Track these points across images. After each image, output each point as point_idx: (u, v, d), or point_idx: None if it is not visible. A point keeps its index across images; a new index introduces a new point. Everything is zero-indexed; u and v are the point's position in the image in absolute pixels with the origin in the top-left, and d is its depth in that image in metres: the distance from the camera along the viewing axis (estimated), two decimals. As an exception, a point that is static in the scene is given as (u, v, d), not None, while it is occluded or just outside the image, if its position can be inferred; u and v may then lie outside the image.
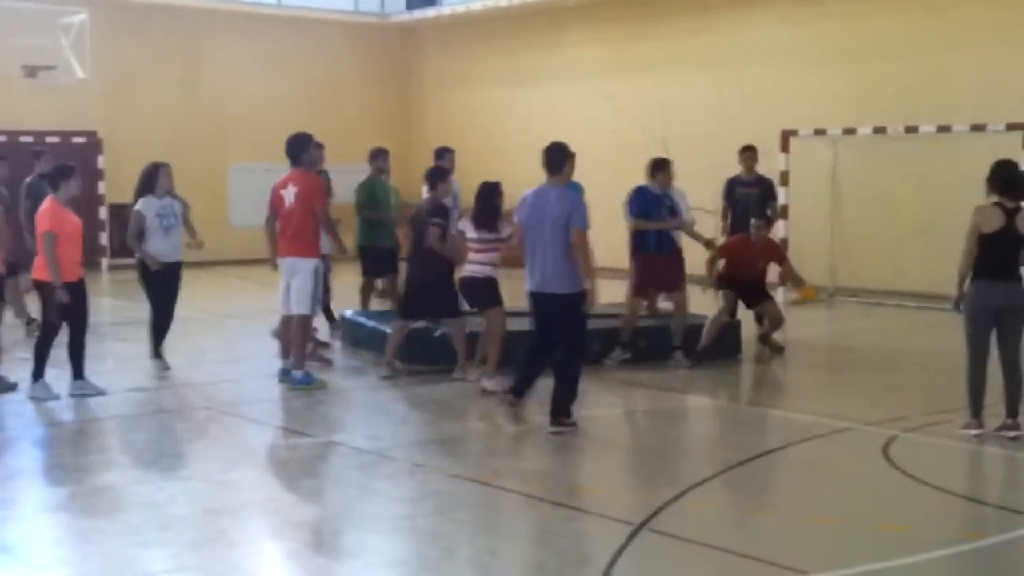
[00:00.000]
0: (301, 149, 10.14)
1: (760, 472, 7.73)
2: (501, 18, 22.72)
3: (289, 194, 9.98)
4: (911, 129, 15.89)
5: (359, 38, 24.51)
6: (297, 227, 9.93)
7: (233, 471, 7.59)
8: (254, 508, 6.86)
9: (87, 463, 7.83)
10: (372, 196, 12.64)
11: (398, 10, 24.47)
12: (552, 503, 6.78)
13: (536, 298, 8.36)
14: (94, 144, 20.82)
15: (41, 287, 9.47)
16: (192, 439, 8.54)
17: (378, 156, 12.99)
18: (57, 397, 9.39)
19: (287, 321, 10.11)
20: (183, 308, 11.25)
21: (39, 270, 9.42)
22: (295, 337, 9.97)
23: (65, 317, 9.44)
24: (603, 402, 9.79)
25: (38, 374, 9.47)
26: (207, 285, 17.43)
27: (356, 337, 11.89)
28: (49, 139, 19.73)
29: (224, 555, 6.02)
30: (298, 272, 9.94)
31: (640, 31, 20.60)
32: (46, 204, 9.43)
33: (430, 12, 23.80)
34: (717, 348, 11.28)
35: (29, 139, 19.17)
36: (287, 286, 9.98)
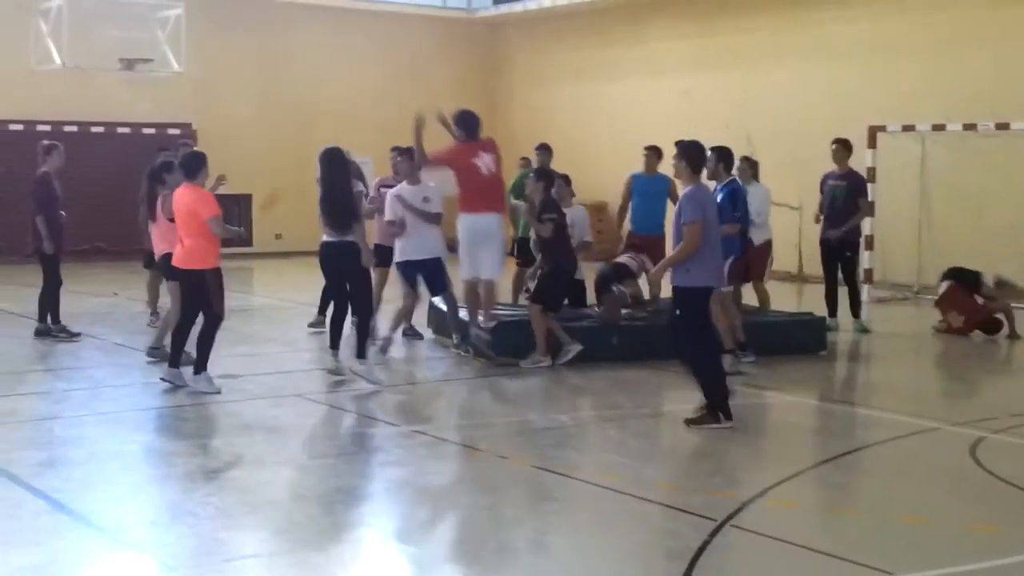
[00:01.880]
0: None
1: (845, 470, 7.67)
2: (584, 13, 22.73)
3: (486, 161, 10.79)
4: (1001, 126, 15.58)
5: (446, 33, 24.67)
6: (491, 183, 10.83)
7: (321, 458, 7.74)
8: (341, 495, 6.98)
9: (181, 447, 8.03)
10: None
11: (485, 5, 24.59)
12: (635, 497, 6.80)
13: (708, 292, 8.56)
14: (188, 135, 21.25)
15: (194, 275, 9.33)
16: (281, 426, 8.70)
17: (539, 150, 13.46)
18: (218, 391, 9.31)
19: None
20: (274, 296, 11.45)
21: (192, 258, 9.27)
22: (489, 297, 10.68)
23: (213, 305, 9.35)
24: (685, 397, 9.77)
25: (201, 366, 9.39)
26: (297, 273, 17.69)
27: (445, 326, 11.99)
28: (145, 131, 20.23)
29: (312, 541, 6.15)
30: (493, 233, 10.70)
31: (721, 25, 20.48)
32: (195, 191, 9.27)
33: (516, 7, 23.90)
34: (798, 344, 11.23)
35: (127, 131, 19.68)
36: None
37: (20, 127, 19.19)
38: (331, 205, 9.82)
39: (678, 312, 8.49)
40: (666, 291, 9.07)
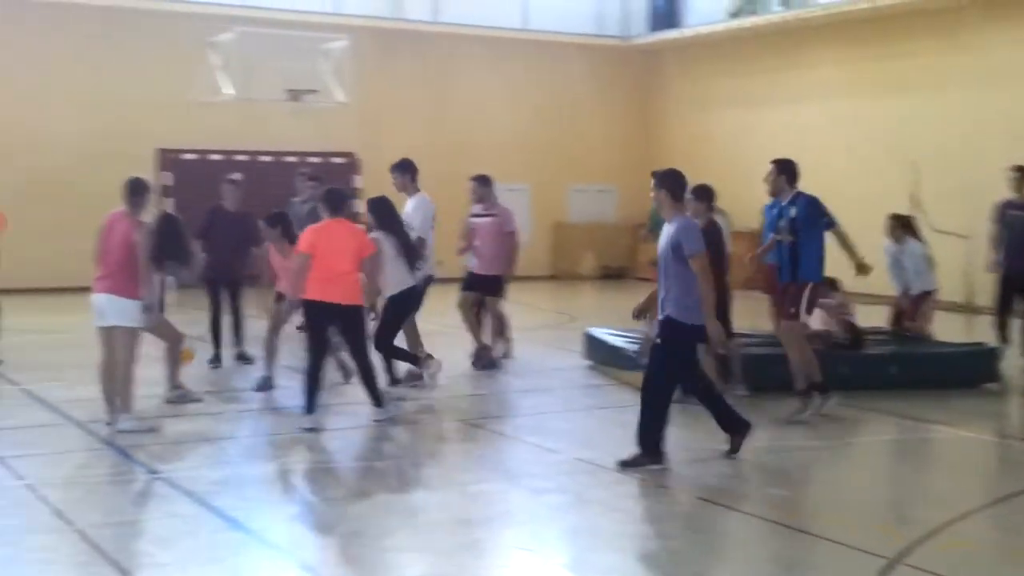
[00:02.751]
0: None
1: (1021, 512, 7.41)
2: (743, 38, 22.55)
3: None
4: None
5: (601, 60, 24.79)
6: None
7: (484, 483, 7.83)
8: (504, 520, 7.08)
9: (349, 468, 8.24)
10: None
11: (641, 32, 24.63)
12: (798, 531, 6.71)
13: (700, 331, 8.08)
14: (352, 164, 21.88)
15: (358, 312, 9.37)
16: (444, 450, 8.84)
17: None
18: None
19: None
20: (433, 322, 11.66)
21: (357, 293, 9.28)
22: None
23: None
24: (850, 430, 9.60)
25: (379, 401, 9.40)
26: (452, 300, 17.90)
27: (601, 355, 12.02)
28: (311, 159, 20.86)
29: (475, 565, 6.24)
30: None
31: (886, 50, 20.05)
32: (350, 227, 9.44)
33: (672, 33, 23.86)
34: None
35: (292, 159, 20.30)
36: None
37: (193, 156, 20.02)
38: (407, 250, 10.31)
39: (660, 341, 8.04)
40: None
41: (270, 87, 18.99)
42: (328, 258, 9.08)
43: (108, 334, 8.89)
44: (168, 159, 20.37)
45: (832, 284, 11.30)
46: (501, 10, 23.49)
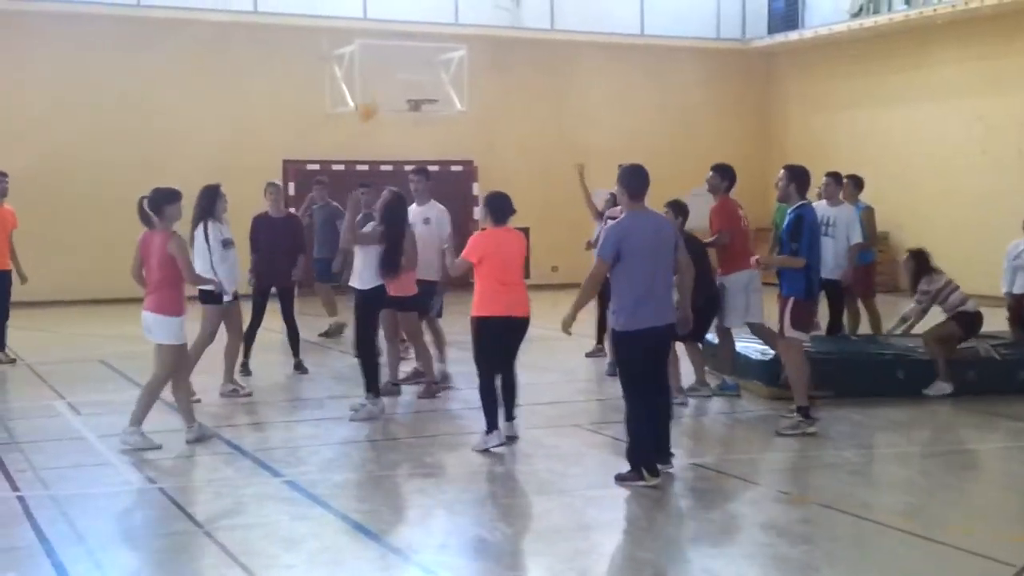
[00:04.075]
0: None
1: None
2: (863, 38, 22.13)
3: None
4: None
5: (719, 63, 24.57)
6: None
7: (603, 488, 7.83)
8: (622, 525, 7.09)
9: (467, 474, 8.31)
10: None
11: (759, 34, 24.35)
12: (925, 539, 6.57)
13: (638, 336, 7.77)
14: (470, 172, 22.08)
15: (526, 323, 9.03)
16: (562, 454, 8.86)
17: None
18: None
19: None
20: (544, 328, 11.69)
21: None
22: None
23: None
24: (971, 436, 9.36)
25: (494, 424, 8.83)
26: (567, 306, 17.93)
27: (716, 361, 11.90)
28: (430, 168, 21.09)
29: (596, 569, 6.26)
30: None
31: (1010, 47, 19.45)
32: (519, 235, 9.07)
33: (791, 35, 23.54)
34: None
35: (412, 168, 20.56)
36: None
37: (316, 167, 20.41)
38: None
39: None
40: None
41: (391, 98, 19.27)
42: (500, 267, 8.72)
43: (156, 350, 8.91)
44: (293, 169, 20.84)
45: (922, 263, 11.06)
46: (618, 16, 23.44)
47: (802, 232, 9.07)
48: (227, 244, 10.54)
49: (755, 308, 10.73)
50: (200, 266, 10.10)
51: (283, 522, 6.99)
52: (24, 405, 10.16)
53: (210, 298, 10.45)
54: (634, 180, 7.86)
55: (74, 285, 19.19)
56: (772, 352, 10.44)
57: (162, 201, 8.92)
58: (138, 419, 8.84)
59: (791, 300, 9.14)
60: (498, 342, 8.80)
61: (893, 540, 6.68)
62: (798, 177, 9.30)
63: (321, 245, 15.17)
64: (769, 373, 10.58)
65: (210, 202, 10.52)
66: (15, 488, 7.72)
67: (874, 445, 9.30)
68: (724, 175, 11.15)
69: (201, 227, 10.38)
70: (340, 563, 6.31)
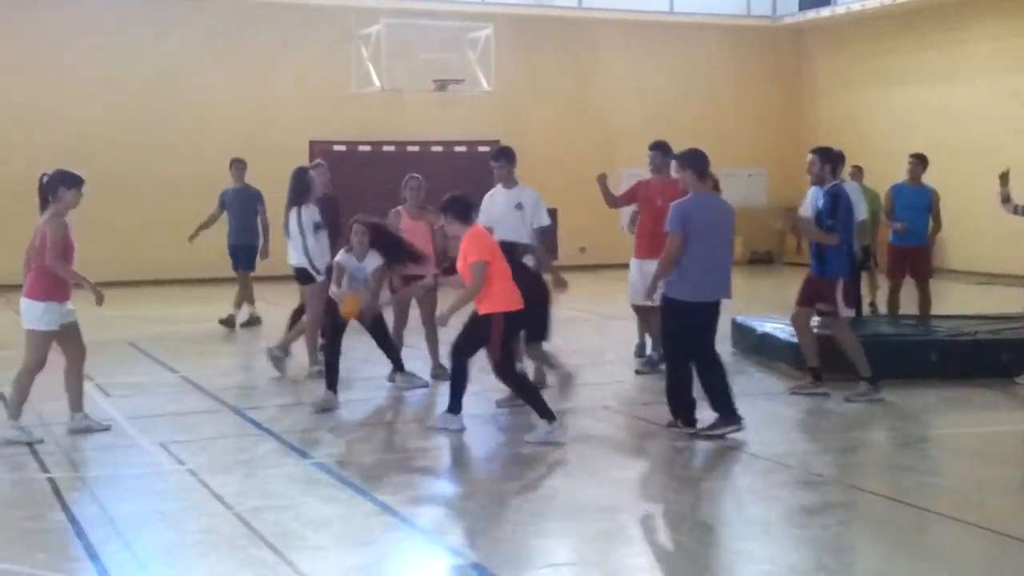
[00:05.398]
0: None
1: None
2: (897, 15, 21.89)
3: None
4: None
5: (749, 41, 24.39)
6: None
7: (630, 469, 7.81)
8: (650, 507, 7.06)
9: (498, 455, 8.30)
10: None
11: (790, 11, 24.14)
12: (957, 520, 6.51)
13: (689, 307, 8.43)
14: (496, 152, 21.99)
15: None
16: (592, 436, 8.83)
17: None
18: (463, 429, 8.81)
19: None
20: (572, 309, 11.61)
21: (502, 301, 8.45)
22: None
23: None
24: (1007, 419, 9.26)
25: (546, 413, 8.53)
26: (595, 287, 17.94)
27: (748, 343, 11.85)
28: (457, 149, 21.09)
29: (622, 551, 6.23)
30: None
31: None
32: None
33: (823, 12, 23.33)
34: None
35: (439, 149, 20.56)
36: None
37: (343, 148, 20.43)
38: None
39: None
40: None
41: (418, 78, 19.24)
42: (503, 262, 8.56)
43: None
44: (319, 150, 20.83)
45: None
46: (646, -6, 23.32)
47: (839, 210, 9.45)
48: (318, 227, 10.66)
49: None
50: (294, 250, 10.41)
51: (312, 504, 6.99)
52: (52, 387, 10.16)
53: (307, 278, 10.60)
54: (702, 162, 8.41)
55: (103, 266, 19.23)
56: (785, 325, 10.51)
57: (58, 182, 8.36)
58: (14, 413, 8.48)
59: (840, 281, 9.55)
60: (516, 336, 8.88)
61: (930, 523, 6.63)
62: (833, 159, 9.72)
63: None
64: (798, 356, 10.50)
65: (302, 186, 10.70)
66: (45, 470, 7.76)
67: (905, 427, 9.21)
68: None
69: (295, 212, 10.56)
70: (369, 545, 6.31)
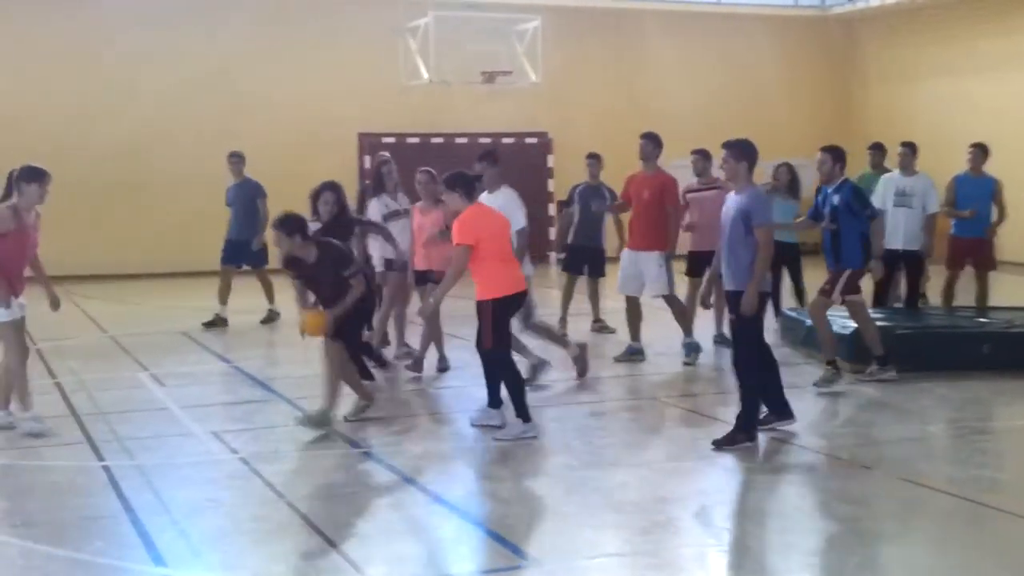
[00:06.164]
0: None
1: None
2: (948, 5, 21.61)
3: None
4: None
5: (796, 31, 24.20)
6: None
7: (680, 461, 7.81)
8: (701, 497, 7.05)
9: (545, 446, 8.30)
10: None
11: (840, 1, 23.93)
12: (1012, 514, 6.45)
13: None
14: (545, 144, 22.04)
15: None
16: (639, 428, 8.84)
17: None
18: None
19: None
20: (618, 300, 11.61)
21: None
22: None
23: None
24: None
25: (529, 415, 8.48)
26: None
27: (796, 336, 11.77)
28: (505, 140, 21.10)
29: (673, 542, 6.23)
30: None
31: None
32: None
33: (873, 2, 23.09)
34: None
35: (487, 140, 20.58)
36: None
37: (392, 140, 20.49)
38: None
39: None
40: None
41: (466, 70, 19.26)
42: (498, 244, 8.36)
43: None
44: (368, 143, 20.94)
45: None
46: (693, -15, 23.22)
47: (865, 202, 9.89)
48: (392, 216, 10.96)
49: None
50: (375, 241, 10.78)
51: (362, 493, 7.06)
52: (109, 376, 10.33)
53: (391, 266, 10.89)
54: (755, 153, 8.27)
55: (159, 258, 19.52)
56: (852, 326, 10.36)
57: (22, 177, 8.28)
58: (2, 403, 8.52)
59: (847, 272, 9.77)
60: (509, 322, 8.54)
61: (983, 516, 6.57)
62: (840, 157, 9.94)
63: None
64: (850, 347, 10.43)
65: (375, 178, 11.27)
66: (101, 458, 7.89)
67: (957, 420, 9.14)
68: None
69: (373, 203, 10.97)
70: (416, 532, 6.36)
